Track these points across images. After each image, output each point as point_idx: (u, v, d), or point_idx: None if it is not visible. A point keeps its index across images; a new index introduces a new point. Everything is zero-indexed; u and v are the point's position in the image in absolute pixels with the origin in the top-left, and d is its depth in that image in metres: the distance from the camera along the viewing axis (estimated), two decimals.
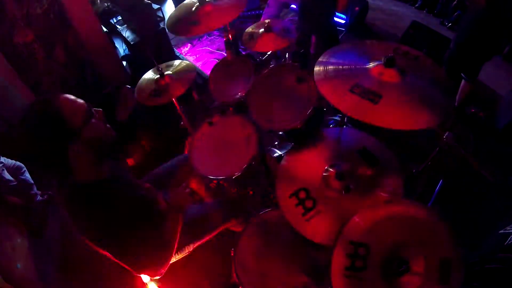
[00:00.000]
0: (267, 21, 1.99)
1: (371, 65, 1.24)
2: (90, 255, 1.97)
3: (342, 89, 1.19)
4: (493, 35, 2.22)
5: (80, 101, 1.11)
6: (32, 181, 2.47)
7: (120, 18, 3.55)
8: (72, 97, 1.10)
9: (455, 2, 3.64)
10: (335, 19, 3.72)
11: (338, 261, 1.04)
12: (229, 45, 1.91)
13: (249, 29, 2.05)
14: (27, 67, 2.54)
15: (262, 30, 2.00)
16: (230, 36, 1.97)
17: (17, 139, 1.04)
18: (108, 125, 1.18)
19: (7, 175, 2.28)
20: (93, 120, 1.11)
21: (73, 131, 1.04)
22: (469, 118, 2.79)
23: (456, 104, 2.80)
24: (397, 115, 1.09)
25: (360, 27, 3.86)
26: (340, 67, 1.28)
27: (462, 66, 2.53)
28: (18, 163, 2.41)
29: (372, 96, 1.13)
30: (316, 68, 1.33)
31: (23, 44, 2.45)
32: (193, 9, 1.90)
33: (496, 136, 2.66)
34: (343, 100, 1.16)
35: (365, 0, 3.79)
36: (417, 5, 4.17)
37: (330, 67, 1.30)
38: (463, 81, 2.63)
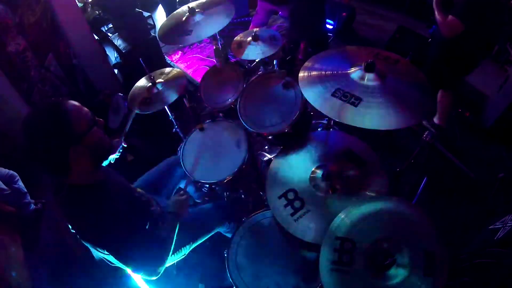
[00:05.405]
0: (255, 30, 2.04)
1: (352, 70, 1.30)
2: (84, 263, 2.00)
3: (325, 94, 1.25)
4: (464, 51, 2.17)
5: (85, 109, 1.19)
6: (26, 190, 2.46)
7: (112, 25, 3.57)
8: (78, 104, 1.18)
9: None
10: None
11: (326, 255, 1.09)
12: (218, 53, 1.96)
13: (237, 38, 2.11)
14: (19, 75, 2.54)
15: (249, 38, 2.04)
16: (219, 44, 2.02)
17: (24, 137, 1.06)
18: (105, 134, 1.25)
19: (1, 184, 2.27)
20: (95, 128, 1.17)
21: (77, 135, 1.10)
22: (455, 118, 2.80)
23: (443, 124, 2.63)
24: (376, 116, 1.14)
25: (348, 32, 3.90)
26: (323, 72, 1.34)
27: (440, 82, 2.44)
28: (11, 172, 2.40)
29: (353, 100, 1.19)
30: (301, 74, 1.38)
31: (15, 53, 2.46)
32: (184, 18, 1.95)
33: (483, 135, 2.68)
34: (326, 104, 1.22)
35: (352, 6, 3.85)
36: (404, 9, 4.22)
37: (314, 72, 1.36)
38: (440, 92, 2.50)
